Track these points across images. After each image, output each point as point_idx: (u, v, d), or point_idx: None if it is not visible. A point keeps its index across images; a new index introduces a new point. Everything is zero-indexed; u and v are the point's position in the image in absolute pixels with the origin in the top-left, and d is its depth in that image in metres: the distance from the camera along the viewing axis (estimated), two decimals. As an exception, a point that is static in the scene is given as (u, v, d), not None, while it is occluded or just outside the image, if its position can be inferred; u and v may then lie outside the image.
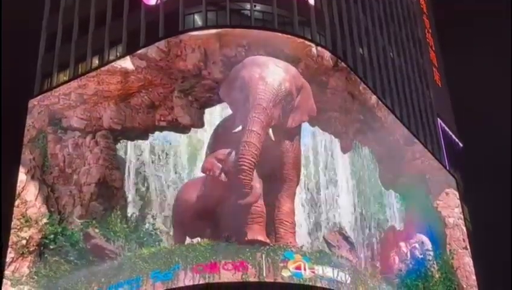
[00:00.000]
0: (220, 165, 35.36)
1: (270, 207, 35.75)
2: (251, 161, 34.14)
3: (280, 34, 40.41)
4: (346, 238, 39.64)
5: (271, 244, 34.85)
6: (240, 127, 34.84)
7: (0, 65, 52.36)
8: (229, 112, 37.56)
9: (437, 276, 45.32)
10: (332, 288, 35.23)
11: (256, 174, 34.78)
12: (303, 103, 37.02)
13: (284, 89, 35.66)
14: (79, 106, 41.11)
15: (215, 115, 39.24)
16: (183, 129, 39.35)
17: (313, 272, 35.05)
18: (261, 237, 34.70)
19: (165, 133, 39.57)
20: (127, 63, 40.58)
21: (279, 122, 35.77)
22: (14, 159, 41.41)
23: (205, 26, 40.80)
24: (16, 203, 39.63)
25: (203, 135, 38.92)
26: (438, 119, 59.25)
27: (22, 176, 40.46)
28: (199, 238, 35.89)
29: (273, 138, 35.12)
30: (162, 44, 40.07)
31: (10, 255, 38.37)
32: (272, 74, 35.86)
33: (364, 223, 42.03)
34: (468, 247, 50.27)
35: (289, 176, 36.85)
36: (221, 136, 37.02)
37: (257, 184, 34.85)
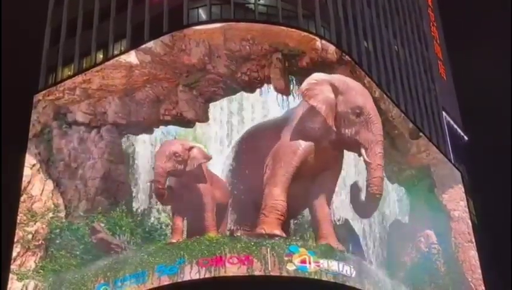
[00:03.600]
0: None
1: (307, 206, 36.90)
2: None
3: (284, 28, 40.32)
4: (351, 232, 39.60)
5: (283, 235, 34.92)
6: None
7: (0, 60, 52.33)
8: (235, 106, 37.60)
9: (443, 269, 45.29)
10: (337, 282, 35.28)
11: None
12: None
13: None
14: (84, 100, 41.16)
15: (219, 109, 39.27)
16: (188, 123, 39.37)
17: (318, 265, 35.06)
18: (278, 231, 34.89)
19: (170, 127, 39.60)
20: (131, 57, 40.58)
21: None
22: (20, 154, 41.48)
23: (209, 20, 40.75)
24: (22, 198, 39.73)
25: (208, 129, 38.96)
26: (443, 112, 59.09)
27: (27, 171, 40.53)
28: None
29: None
30: (166, 38, 40.04)
31: (16, 249, 38.50)
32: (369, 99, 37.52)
33: (369, 217, 41.91)
34: (474, 240, 50.16)
35: (330, 176, 37.39)
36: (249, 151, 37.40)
37: None
